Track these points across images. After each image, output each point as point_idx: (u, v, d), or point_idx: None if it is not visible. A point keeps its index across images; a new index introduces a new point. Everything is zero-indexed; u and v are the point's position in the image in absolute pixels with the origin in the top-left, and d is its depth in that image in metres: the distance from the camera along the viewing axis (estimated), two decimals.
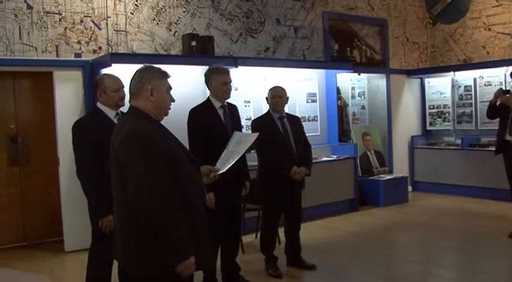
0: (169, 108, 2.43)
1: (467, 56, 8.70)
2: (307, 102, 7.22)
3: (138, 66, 2.47)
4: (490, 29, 8.36)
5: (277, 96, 4.52)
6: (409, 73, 8.72)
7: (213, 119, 3.92)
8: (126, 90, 3.36)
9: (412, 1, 9.06)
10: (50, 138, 5.63)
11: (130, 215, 2.21)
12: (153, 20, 6.13)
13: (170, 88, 2.42)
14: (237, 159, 2.70)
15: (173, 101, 2.43)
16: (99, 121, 3.30)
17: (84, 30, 5.67)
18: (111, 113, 3.36)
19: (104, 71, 4.99)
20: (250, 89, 6.49)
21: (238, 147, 2.85)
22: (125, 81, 3.46)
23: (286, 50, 7.34)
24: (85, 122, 3.45)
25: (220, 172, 2.77)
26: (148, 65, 2.44)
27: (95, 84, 3.49)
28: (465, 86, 8.22)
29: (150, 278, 2.24)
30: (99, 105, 3.43)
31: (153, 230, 2.14)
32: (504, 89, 6.14)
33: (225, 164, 2.84)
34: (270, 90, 4.59)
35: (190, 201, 2.29)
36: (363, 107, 8.32)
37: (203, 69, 5.18)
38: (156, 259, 2.19)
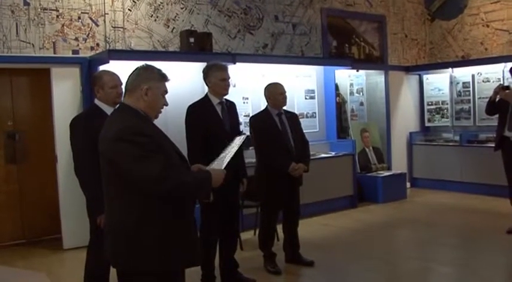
0: (160, 112, 2.43)
1: (465, 53, 8.69)
2: (306, 98, 7.21)
3: (136, 62, 2.46)
4: (488, 26, 8.35)
5: (280, 92, 4.50)
6: (408, 69, 8.72)
7: (211, 116, 3.91)
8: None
9: None
10: (47, 135, 5.62)
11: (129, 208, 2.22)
12: (151, 17, 6.11)
13: (166, 92, 2.42)
14: (227, 161, 2.70)
15: (166, 104, 2.43)
16: (97, 117, 3.27)
17: (82, 27, 5.65)
18: (108, 110, 3.34)
19: (102, 67, 4.97)
20: (248, 85, 6.48)
21: (227, 150, 2.86)
22: (123, 78, 3.45)
23: (284, 46, 7.32)
24: (83, 118, 3.44)
25: None
26: (149, 64, 2.43)
27: (93, 81, 3.48)
28: (463, 83, 8.23)
29: (139, 272, 2.24)
30: (96, 101, 3.42)
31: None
32: (503, 84, 6.13)
33: (220, 163, 2.83)
34: (271, 87, 4.55)
35: (180, 199, 2.30)
36: (362, 104, 8.31)
37: (201, 65, 5.17)
38: (146, 253, 2.20)
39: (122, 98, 2.42)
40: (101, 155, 2.31)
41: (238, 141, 3.00)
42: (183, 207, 2.32)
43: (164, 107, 2.43)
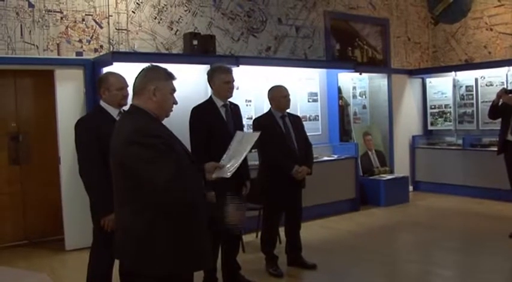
0: (171, 110, 2.42)
1: (468, 56, 8.69)
2: (309, 101, 7.22)
3: (140, 64, 2.46)
4: (491, 29, 8.35)
5: (284, 95, 4.51)
6: (411, 73, 8.72)
7: (215, 118, 3.92)
8: (130, 89, 3.37)
9: (413, 1, 9.05)
10: (51, 136, 5.63)
11: (143, 212, 2.22)
12: (155, 19, 6.13)
13: (174, 90, 2.40)
14: (241, 159, 2.68)
15: (176, 103, 2.42)
16: (102, 119, 3.28)
17: (86, 29, 5.67)
18: (113, 111, 3.35)
19: (106, 69, 4.98)
20: (251, 88, 6.49)
21: (240, 146, 2.83)
22: (128, 80, 3.46)
23: (287, 49, 7.33)
24: (88, 119, 3.44)
25: (228, 172, 2.72)
26: (155, 64, 2.42)
27: (99, 82, 3.48)
28: (466, 86, 8.22)
29: (147, 275, 2.23)
30: (101, 103, 3.42)
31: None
32: (506, 88, 6.12)
33: (230, 160, 2.81)
34: (274, 90, 4.57)
35: (192, 200, 2.29)
36: (364, 107, 8.31)
37: (204, 68, 5.19)
38: (155, 256, 2.19)
39: (132, 100, 2.40)
40: (111, 158, 2.31)
41: (252, 137, 2.97)
42: (197, 211, 2.30)
43: (174, 105, 2.42)
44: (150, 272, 2.22)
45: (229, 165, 2.69)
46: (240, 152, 2.75)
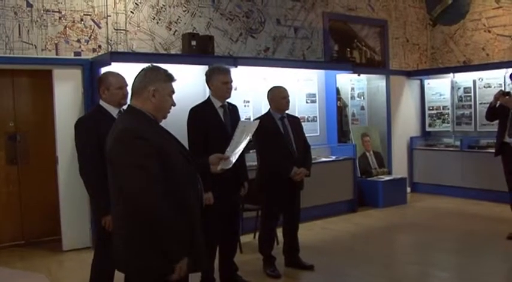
0: (169, 112, 2.41)
1: (467, 58, 8.70)
2: (307, 102, 7.22)
3: (138, 65, 2.45)
4: (490, 31, 8.36)
5: (283, 96, 4.50)
6: (409, 74, 8.72)
7: (213, 119, 3.91)
8: (129, 89, 3.36)
9: (412, 2, 9.06)
10: (48, 136, 5.62)
11: (123, 213, 2.21)
12: (153, 19, 6.13)
13: (173, 92, 2.39)
14: (242, 149, 2.69)
15: (174, 105, 2.40)
16: (102, 118, 3.28)
17: (84, 29, 5.66)
18: (113, 111, 3.35)
19: (104, 69, 4.97)
20: (249, 89, 6.48)
21: (242, 136, 2.84)
22: (127, 80, 3.46)
23: (286, 50, 7.34)
24: (88, 119, 3.44)
25: (231, 163, 2.72)
26: (155, 65, 2.40)
27: (99, 81, 3.48)
28: (465, 88, 8.23)
29: (146, 271, 2.22)
30: (101, 102, 3.42)
31: (146, 228, 2.14)
32: (504, 90, 6.13)
33: (234, 150, 2.82)
34: (274, 90, 4.55)
35: (184, 202, 2.27)
36: (363, 108, 8.32)
37: (203, 68, 5.18)
38: (153, 253, 2.18)
39: (130, 100, 2.39)
40: (106, 157, 2.31)
41: (252, 127, 2.96)
42: (189, 213, 2.29)
43: (172, 107, 2.40)
44: (140, 276, 2.21)
45: (233, 155, 2.71)
46: (241, 142, 2.76)
